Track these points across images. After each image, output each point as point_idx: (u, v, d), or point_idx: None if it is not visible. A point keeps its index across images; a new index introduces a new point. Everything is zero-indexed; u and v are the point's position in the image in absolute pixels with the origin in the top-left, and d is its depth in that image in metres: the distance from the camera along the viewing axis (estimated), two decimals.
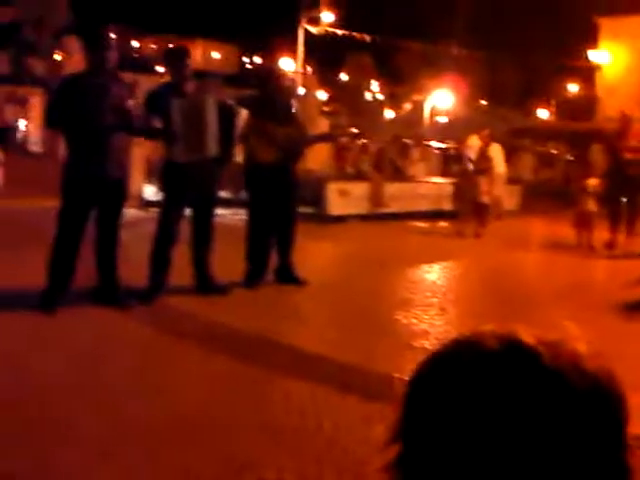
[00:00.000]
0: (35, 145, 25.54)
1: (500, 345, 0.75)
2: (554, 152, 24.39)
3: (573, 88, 45.27)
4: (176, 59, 6.36)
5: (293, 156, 7.40)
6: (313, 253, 9.85)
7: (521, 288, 8.56)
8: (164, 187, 6.64)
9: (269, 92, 7.40)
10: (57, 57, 26.35)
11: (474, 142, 13.45)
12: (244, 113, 6.50)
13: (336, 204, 13.72)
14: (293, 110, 7.69)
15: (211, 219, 6.62)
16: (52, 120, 6.00)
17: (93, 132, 5.71)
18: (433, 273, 9.09)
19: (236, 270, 7.03)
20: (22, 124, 27.23)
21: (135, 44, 59.59)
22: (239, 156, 7.83)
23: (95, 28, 5.97)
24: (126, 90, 6.05)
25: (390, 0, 37.82)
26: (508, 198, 16.08)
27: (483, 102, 40.81)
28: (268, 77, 7.67)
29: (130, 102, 5.97)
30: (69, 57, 21.06)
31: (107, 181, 5.83)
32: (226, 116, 6.47)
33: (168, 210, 6.46)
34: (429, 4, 36.80)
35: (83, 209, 5.86)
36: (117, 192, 6.00)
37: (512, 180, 16.75)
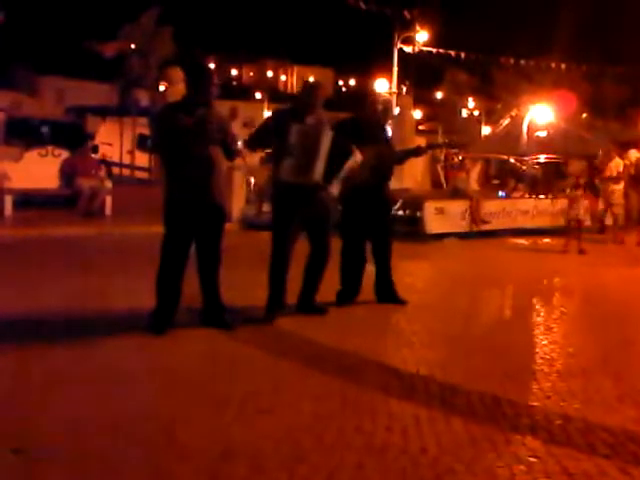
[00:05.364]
0: (141, 172, 26.49)
1: None
2: None
3: None
4: (309, 94, 6.66)
5: (384, 175, 7.45)
6: (411, 272, 9.81)
7: (626, 305, 8.28)
8: (273, 206, 6.79)
9: (361, 114, 7.52)
10: (161, 88, 27.28)
11: (618, 162, 13.83)
12: (358, 156, 6.68)
13: (433, 222, 13.62)
14: (385, 131, 7.76)
15: (325, 242, 6.70)
16: (154, 148, 6.41)
17: (189, 158, 5.92)
18: (536, 291, 8.88)
19: (330, 289, 7.13)
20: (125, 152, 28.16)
21: (234, 72, 61.32)
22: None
23: (194, 59, 6.25)
24: (219, 116, 6.24)
25: (485, 16, 37.42)
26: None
27: (584, 115, 39.67)
28: (360, 99, 7.77)
29: (223, 127, 6.16)
30: (172, 87, 21.81)
31: (205, 205, 6.01)
32: (340, 154, 6.59)
33: (278, 230, 6.57)
34: (523, 19, 36.24)
35: (184, 233, 6.04)
36: (216, 216, 6.16)
37: None
